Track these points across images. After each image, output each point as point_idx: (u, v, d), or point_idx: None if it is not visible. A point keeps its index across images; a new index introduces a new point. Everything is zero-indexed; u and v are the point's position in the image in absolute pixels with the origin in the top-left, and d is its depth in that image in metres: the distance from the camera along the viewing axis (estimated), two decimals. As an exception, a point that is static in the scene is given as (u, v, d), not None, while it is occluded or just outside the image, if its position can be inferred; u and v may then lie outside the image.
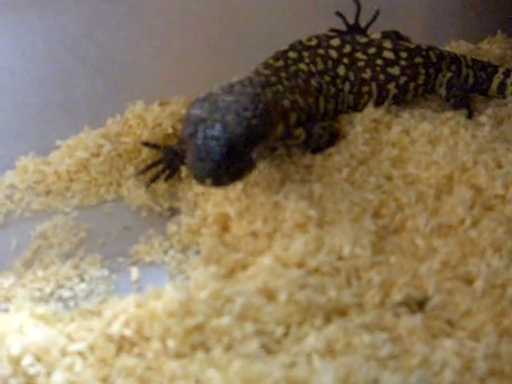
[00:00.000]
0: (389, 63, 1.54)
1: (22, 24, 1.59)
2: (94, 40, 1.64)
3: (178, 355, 0.97)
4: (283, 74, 1.41)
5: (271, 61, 1.45)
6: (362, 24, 1.68)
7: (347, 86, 1.50)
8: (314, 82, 1.45)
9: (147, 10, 1.70)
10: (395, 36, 1.64)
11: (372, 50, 1.54)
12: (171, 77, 1.69)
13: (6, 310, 1.12)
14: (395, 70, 1.54)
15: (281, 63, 1.44)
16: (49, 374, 0.95)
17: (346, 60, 1.51)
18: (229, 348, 0.97)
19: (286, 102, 1.35)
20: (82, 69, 1.63)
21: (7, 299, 1.16)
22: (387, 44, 1.56)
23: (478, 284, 1.07)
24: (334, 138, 1.43)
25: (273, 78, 1.38)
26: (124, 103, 1.54)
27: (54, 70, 1.61)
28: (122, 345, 0.99)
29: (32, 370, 0.95)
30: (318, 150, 1.40)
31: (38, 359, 0.96)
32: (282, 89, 1.37)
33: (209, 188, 1.21)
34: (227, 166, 1.13)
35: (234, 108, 1.17)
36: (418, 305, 1.06)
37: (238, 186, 1.28)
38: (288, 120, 1.35)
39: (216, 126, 1.14)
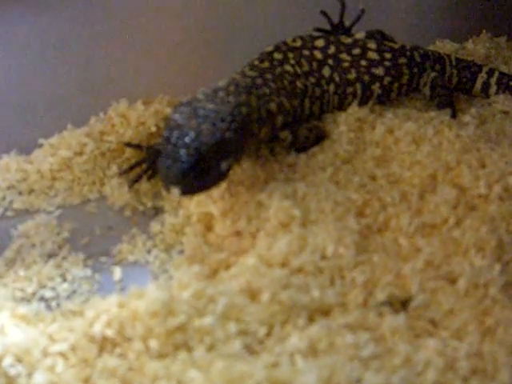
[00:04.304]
0: (373, 64, 1.54)
1: (4, 21, 1.57)
2: (77, 38, 1.63)
3: (160, 355, 0.96)
4: (269, 76, 1.41)
5: (257, 62, 1.45)
6: (347, 23, 1.68)
7: (332, 87, 1.50)
8: (299, 84, 1.45)
9: (132, 8, 1.69)
10: (379, 36, 1.64)
11: (356, 51, 1.54)
12: (155, 75, 1.68)
13: (-13, 311, 1.11)
14: (379, 71, 1.54)
15: (266, 64, 1.44)
16: (30, 374, 0.94)
17: (330, 61, 1.51)
18: (211, 348, 0.96)
19: (273, 105, 1.35)
20: (65, 67, 1.62)
21: (-12, 299, 1.15)
22: (371, 45, 1.56)
23: (461, 283, 1.07)
24: (319, 139, 1.43)
25: (259, 80, 1.38)
26: (108, 102, 1.54)
27: (37, 67, 1.60)
28: (104, 345, 0.99)
29: (13, 371, 0.94)
30: (302, 149, 1.40)
31: (19, 360, 0.96)
32: (269, 91, 1.37)
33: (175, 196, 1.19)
34: (194, 174, 1.13)
35: (212, 118, 1.18)
36: (402, 304, 1.06)
37: (222, 185, 1.27)
38: (275, 123, 1.35)
39: (189, 133, 1.15)
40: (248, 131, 1.24)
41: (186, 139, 1.14)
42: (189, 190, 1.15)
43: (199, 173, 1.14)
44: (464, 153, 1.32)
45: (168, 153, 1.14)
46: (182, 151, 1.13)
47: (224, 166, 1.18)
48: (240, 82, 1.33)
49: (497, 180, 1.25)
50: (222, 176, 1.19)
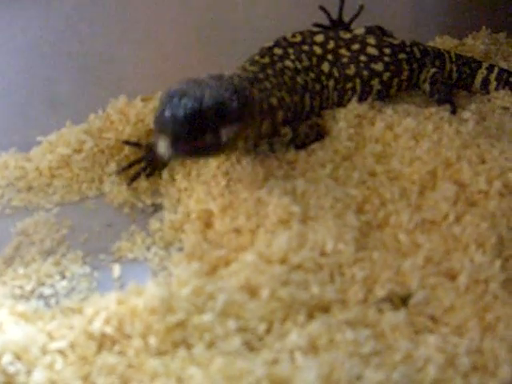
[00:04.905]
0: (372, 59, 1.54)
1: (3, 19, 1.57)
2: (76, 34, 1.63)
3: (160, 353, 0.96)
4: (270, 71, 1.40)
5: (257, 57, 1.44)
6: (346, 19, 1.67)
7: (332, 83, 1.49)
8: (299, 79, 1.44)
9: (130, 4, 1.68)
10: (379, 31, 1.64)
11: (356, 46, 1.53)
12: (154, 72, 1.68)
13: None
14: (379, 66, 1.54)
15: (267, 60, 1.43)
16: (29, 372, 0.94)
17: (330, 56, 1.50)
18: (211, 345, 0.96)
19: (274, 100, 1.35)
20: (64, 64, 1.62)
21: (-13, 297, 1.14)
22: (371, 40, 1.56)
23: (462, 279, 1.07)
24: (319, 136, 1.42)
25: (260, 75, 1.38)
26: (106, 98, 1.53)
27: (35, 65, 1.60)
28: (103, 342, 0.98)
29: (12, 369, 0.94)
30: (302, 146, 1.39)
31: (18, 357, 0.95)
32: (270, 86, 1.36)
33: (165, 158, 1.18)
34: (191, 132, 1.10)
35: (215, 86, 1.16)
36: (402, 301, 1.06)
37: (221, 182, 1.27)
38: (275, 118, 1.35)
39: (190, 95, 1.12)
40: (249, 115, 1.23)
41: (187, 99, 1.11)
42: (184, 149, 1.12)
43: (196, 133, 1.11)
44: (464, 149, 1.32)
45: (166, 111, 1.11)
46: (181, 108, 1.10)
47: (223, 134, 1.15)
48: (242, 76, 1.32)
49: (497, 176, 1.25)
50: (219, 145, 1.15)
